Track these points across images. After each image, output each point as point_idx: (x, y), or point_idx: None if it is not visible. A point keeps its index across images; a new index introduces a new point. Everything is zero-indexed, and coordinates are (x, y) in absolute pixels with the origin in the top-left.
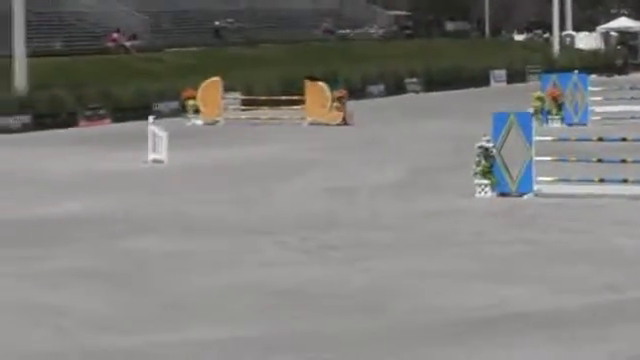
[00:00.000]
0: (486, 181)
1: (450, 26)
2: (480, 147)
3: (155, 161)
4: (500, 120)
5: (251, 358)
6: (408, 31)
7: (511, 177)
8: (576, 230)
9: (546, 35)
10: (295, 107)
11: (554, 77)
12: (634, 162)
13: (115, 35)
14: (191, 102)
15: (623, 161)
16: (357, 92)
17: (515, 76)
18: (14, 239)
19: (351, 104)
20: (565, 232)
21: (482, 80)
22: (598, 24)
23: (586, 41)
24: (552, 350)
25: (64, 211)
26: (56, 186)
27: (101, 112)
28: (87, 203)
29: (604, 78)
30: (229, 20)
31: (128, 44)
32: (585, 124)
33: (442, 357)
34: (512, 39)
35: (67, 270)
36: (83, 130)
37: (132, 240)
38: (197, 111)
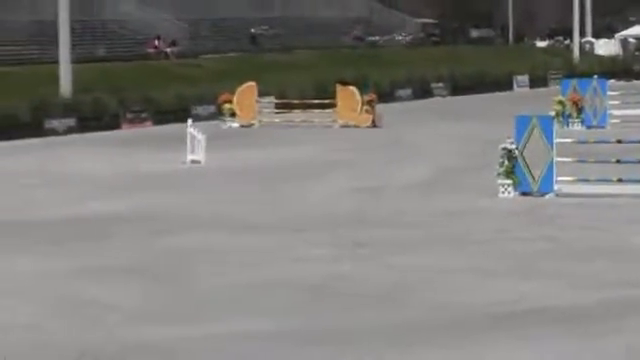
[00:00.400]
0: (509, 181)
1: (475, 33)
2: (503, 148)
3: (193, 162)
4: (523, 123)
5: (286, 350)
6: (434, 38)
7: (533, 177)
8: (595, 228)
9: (567, 42)
10: (327, 110)
11: (574, 82)
12: None
13: (156, 42)
14: (227, 106)
15: None
16: (386, 96)
17: (537, 81)
18: (61, 236)
19: (380, 107)
20: (584, 230)
21: (505, 85)
22: (617, 31)
23: (605, 47)
24: (570, 343)
25: (108, 210)
26: (100, 186)
27: (142, 115)
28: (129, 202)
29: (622, 83)
30: (264, 27)
31: (168, 50)
32: (604, 127)
33: (463, 349)
34: (534, 45)
35: (110, 266)
36: (125, 132)
37: (171, 237)
38: (233, 114)
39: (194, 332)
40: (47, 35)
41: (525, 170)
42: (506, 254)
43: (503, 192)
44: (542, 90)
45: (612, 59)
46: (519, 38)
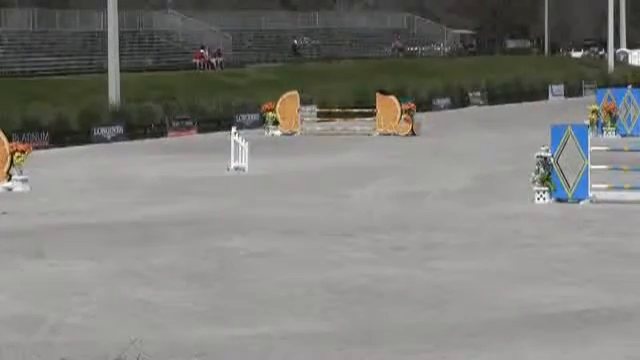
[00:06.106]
0: (544, 188)
1: (511, 44)
2: (539, 156)
3: (237, 168)
4: (558, 131)
5: (330, 351)
6: (472, 48)
7: (568, 184)
8: (629, 233)
9: (601, 52)
10: (367, 119)
11: (609, 91)
12: None
13: (201, 52)
14: (270, 114)
15: None
16: (424, 104)
17: (572, 90)
18: (113, 239)
19: (419, 116)
20: (619, 235)
21: (541, 94)
22: None
23: (639, 58)
24: (610, 344)
25: (157, 214)
26: (149, 191)
27: (188, 123)
28: (177, 207)
29: None
30: (306, 38)
31: (213, 60)
32: (638, 135)
33: (502, 351)
34: (569, 56)
35: (159, 268)
36: (171, 140)
37: (218, 241)
38: (276, 122)
39: (239, 332)
40: (97, 46)
41: (560, 177)
42: (544, 258)
43: (539, 198)
44: (577, 99)
45: None
46: (554, 49)
